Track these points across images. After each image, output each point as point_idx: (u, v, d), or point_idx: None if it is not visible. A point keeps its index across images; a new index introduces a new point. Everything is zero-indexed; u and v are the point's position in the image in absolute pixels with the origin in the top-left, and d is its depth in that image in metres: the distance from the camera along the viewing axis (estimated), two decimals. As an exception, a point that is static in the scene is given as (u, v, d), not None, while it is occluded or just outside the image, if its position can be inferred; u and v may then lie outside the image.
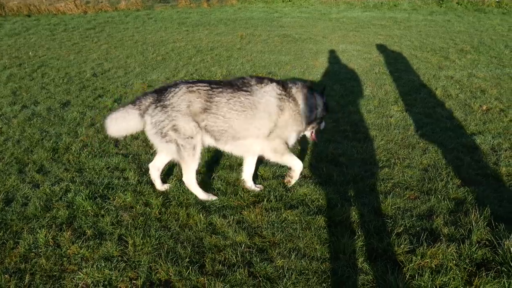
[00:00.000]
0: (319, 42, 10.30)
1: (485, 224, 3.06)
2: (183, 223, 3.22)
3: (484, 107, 5.69)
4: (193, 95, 3.32)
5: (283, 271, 2.69)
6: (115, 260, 2.79)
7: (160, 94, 3.38)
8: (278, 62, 8.25)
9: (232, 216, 3.29)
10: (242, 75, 7.32)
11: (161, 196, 3.54)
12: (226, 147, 3.55)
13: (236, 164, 4.17)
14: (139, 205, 3.43)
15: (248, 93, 3.39)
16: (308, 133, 3.87)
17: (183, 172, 3.54)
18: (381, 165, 4.16)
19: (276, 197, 3.55)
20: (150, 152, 4.41)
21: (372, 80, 7.03)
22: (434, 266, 2.66)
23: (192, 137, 3.36)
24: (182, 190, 3.65)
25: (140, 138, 4.74)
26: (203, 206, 3.43)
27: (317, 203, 3.46)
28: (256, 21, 13.88)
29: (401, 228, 3.08)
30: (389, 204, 3.41)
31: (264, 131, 3.43)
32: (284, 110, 3.44)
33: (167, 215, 3.33)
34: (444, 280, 2.54)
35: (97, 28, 12.59)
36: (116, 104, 5.89)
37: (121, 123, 3.38)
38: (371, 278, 2.62)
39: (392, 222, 3.17)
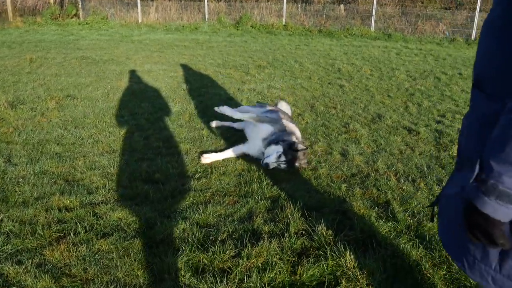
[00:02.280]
0: (123, 63, 9.86)
1: (299, 215, 3.22)
2: (-41, 282, 2.48)
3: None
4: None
5: (100, 311, 2.28)
6: None
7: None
8: (77, 85, 7.52)
9: (31, 260, 2.69)
10: (34, 100, 6.42)
11: None
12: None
13: (32, 198, 3.50)
14: None
15: None
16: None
17: None
18: (198, 176, 4.05)
19: (86, 228, 3.07)
20: None
21: (181, 97, 7.00)
22: (260, 265, 2.64)
23: None
24: (-44, 241, 2.84)
25: None
26: (-12, 256, 2.72)
27: (134, 226, 3.12)
28: (49, 44, 12.56)
29: (225, 235, 3.00)
30: (211, 213, 3.30)
31: None
32: None
33: None
34: (271, 276, 2.52)
35: None
36: None
37: None
38: (200, 293, 2.43)
39: (216, 230, 3.06)
